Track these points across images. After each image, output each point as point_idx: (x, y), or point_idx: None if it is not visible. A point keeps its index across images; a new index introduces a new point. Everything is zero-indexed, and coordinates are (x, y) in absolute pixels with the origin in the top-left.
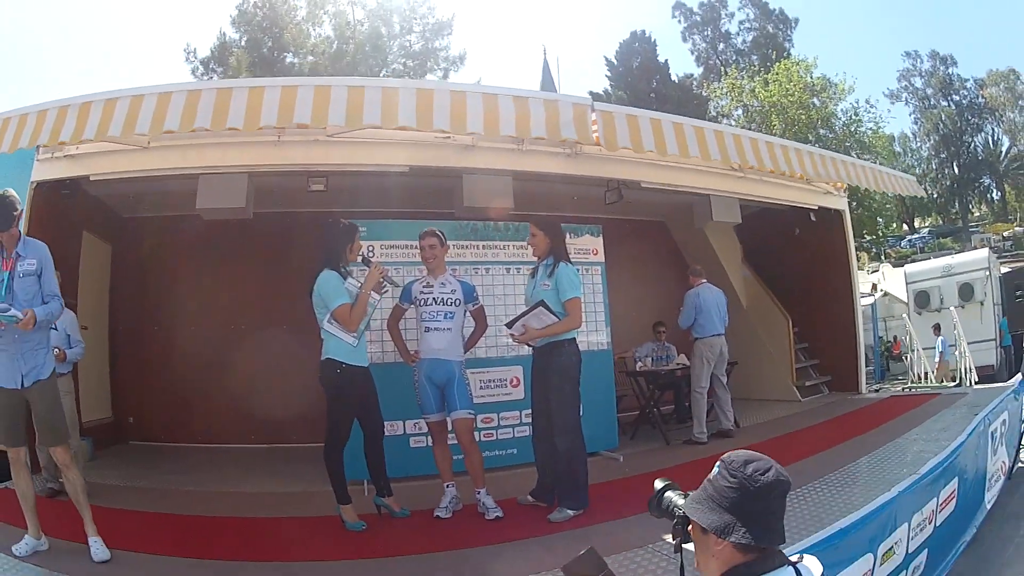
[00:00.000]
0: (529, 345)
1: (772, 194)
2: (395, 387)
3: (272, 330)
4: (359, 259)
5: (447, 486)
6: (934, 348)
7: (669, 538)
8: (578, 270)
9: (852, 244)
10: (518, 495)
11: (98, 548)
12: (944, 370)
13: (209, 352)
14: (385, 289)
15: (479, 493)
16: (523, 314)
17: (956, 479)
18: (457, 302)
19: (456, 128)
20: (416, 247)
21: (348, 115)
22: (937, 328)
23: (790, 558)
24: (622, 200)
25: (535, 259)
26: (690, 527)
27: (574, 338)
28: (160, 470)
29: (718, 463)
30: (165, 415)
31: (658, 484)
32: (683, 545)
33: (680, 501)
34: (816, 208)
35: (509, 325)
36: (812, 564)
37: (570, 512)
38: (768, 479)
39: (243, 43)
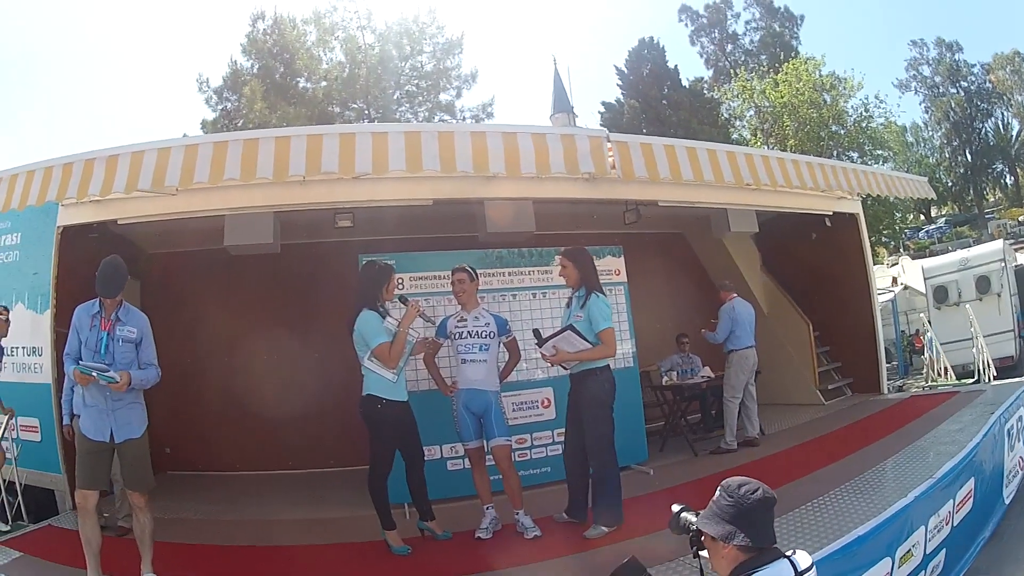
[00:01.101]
0: (564, 368)
1: (787, 203)
2: (431, 414)
3: (303, 357)
4: (395, 298)
5: (487, 508)
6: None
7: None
8: (608, 300)
9: (868, 245)
10: (553, 512)
11: None
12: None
13: (243, 381)
14: (425, 326)
15: (517, 514)
16: (552, 336)
17: (973, 479)
18: (491, 334)
19: (479, 170)
20: (442, 277)
21: (374, 163)
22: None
23: (785, 552)
24: (641, 219)
25: (568, 287)
26: (703, 538)
27: (607, 365)
28: (200, 500)
29: (719, 487)
30: (201, 444)
31: (675, 508)
32: (699, 552)
33: (693, 518)
34: (831, 214)
35: (539, 344)
36: (802, 557)
37: (605, 528)
38: (757, 497)
39: (255, 70)
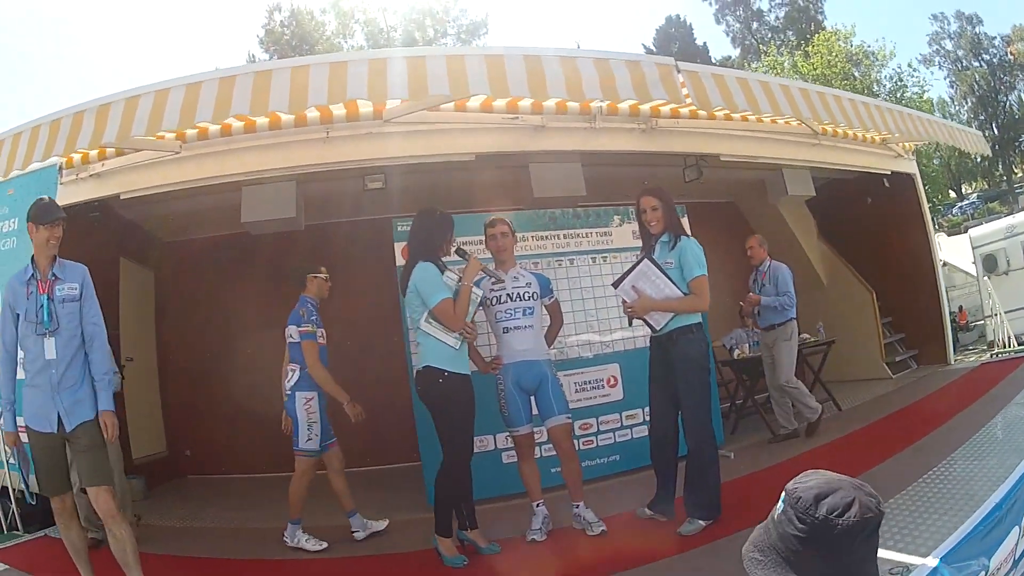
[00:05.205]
0: (651, 329)
1: (847, 160)
2: (479, 399)
3: (334, 347)
4: (453, 252)
5: (537, 505)
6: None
7: None
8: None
9: (927, 208)
10: (624, 506)
11: None
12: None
13: (269, 377)
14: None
15: (578, 507)
16: (629, 271)
17: None
18: (534, 296)
19: (535, 93)
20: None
21: (411, 88)
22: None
23: None
24: (701, 177)
25: (652, 234)
26: None
27: (700, 322)
28: (221, 506)
29: (783, 497)
30: (225, 446)
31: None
32: None
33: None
34: (889, 173)
35: (615, 285)
36: None
37: (702, 523)
38: (849, 521)
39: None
